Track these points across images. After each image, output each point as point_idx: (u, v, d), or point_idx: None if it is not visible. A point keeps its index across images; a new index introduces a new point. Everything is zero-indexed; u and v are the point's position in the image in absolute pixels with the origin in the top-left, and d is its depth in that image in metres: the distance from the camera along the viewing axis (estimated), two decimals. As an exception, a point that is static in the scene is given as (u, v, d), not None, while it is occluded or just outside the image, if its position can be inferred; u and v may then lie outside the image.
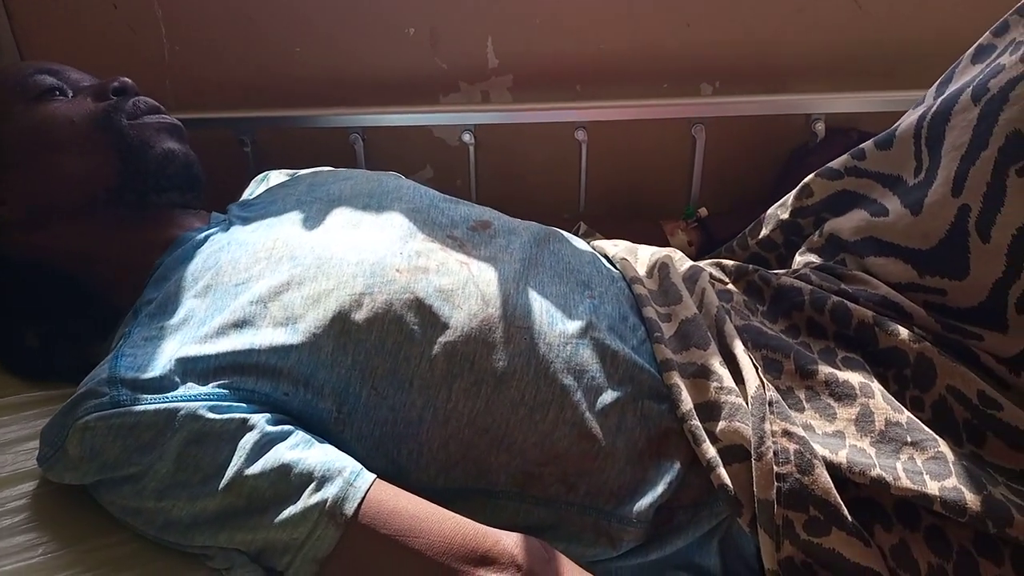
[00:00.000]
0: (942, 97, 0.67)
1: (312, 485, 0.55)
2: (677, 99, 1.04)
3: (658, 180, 1.08)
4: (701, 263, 0.81)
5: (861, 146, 0.76)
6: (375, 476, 0.57)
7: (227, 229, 0.74)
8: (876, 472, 0.59)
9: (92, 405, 0.57)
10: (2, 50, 1.02)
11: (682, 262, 0.79)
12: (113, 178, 0.72)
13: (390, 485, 0.58)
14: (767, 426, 0.61)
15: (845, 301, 0.70)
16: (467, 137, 1.04)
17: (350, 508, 0.54)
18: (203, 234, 0.73)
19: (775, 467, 0.59)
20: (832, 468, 0.60)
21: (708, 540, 0.64)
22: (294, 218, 0.72)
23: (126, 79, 0.78)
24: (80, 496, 0.60)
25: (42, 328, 0.72)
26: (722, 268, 0.80)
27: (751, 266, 0.79)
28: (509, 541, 0.57)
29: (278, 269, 0.64)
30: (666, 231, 1.01)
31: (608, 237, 0.91)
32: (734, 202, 1.08)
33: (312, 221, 0.71)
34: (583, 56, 1.04)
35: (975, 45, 0.69)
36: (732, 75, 1.05)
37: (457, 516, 0.58)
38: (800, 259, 0.82)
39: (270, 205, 0.77)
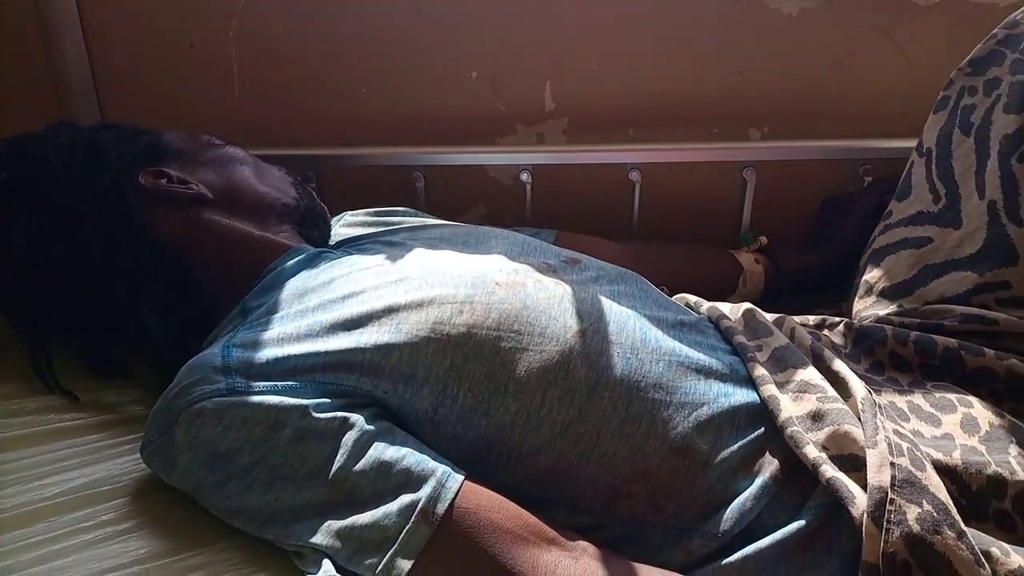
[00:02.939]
0: (931, 144, 0.85)
1: (408, 484, 0.58)
2: (727, 143, 1.08)
3: (709, 221, 1.12)
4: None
5: (888, 210, 0.89)
6: (464, 476, 0.60)
7: (340, 256, 0.78)
8: (992, 470, 0.61)
9: (207, 391, 0.60)
10: (79, 81, 1.06)
11: (765, 313, 0.80)
12: (290, 201, 0.84)
13: (477, 485, 0.60)
14: (879, 421, 0.62)
15: (928, 334, 0.73)
16: (525, 176, 1.07)
17: (442, 508, 0.57)
18: (315, 251, 0.77)
19: (889, 456, 0.59)
20: (948, 472, 0.61)
21: (795, 554, 0.62)
22: (400, 249, 0.76)
23: None
24: (188, 502, 0.62)
25: (151, 307, 0.75)
26: (803, 320, 0.83)
27: (832, 318, 0.82)
28: (580, 538, 0.61)
29: (386, 281, 0.68)
30: (733, 252, 1.04)
31: (672, 257, 0.99)
32: (807, 237, 1.11)
33: (417, 250, 0.75)
34: (637, 101, 1.08)
35: (937, 101, 0.86)
36: (781, 120, 1.08)
37: (530, 513, 0.61)
38: (862, 310, 0.86)
39: (374, 244, 0.82)
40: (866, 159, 1.05)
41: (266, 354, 0.63)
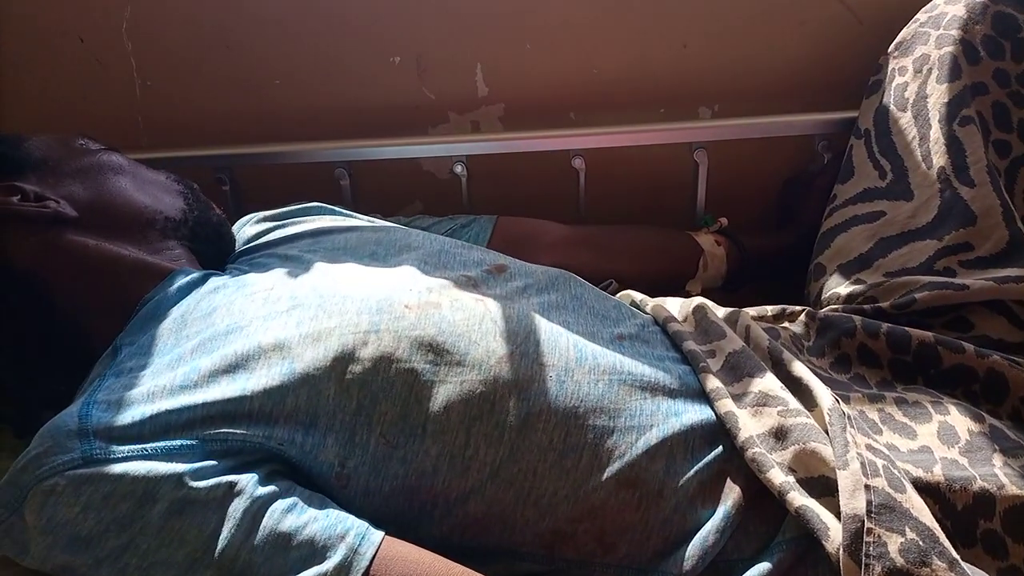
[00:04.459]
0: (868, 125, 0.87)
1: (313, 557, 0.50)
2: (676, 123, 1.00)
3: (661, 207, 1.04)
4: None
5: (833, 194, 0.88)
6: (382, 535, 0.51)
7: (225, 278, 0.68)
8: (978, 486, 0.55)
9: (60, 463, 0.51)
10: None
11: (717, 308, 0.74)
12: (175, 214, 0.73)
13: (398, 546, 0.52)
14: (849, 437, 0.55)
15: (903, 327, 0.67)
16: (459, 169, 0.99)
17: None
18: (198, 274, 0.68)
19: (864, 477, 0.52)
20: (930, 491, 0.54)
21: None
22: (296, 265, 0.67)
23: None
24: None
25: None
26: (761, 312, 0.77)
27: (792, 307, 0.76)
28: None
29: (275, 310, 0.59)
30: (691, 233, 0.97)
31: (625, 241, 0.94)
32: (766, 222, 1.05)
33: (315, 267, 0.66)
34: (577, 82, 1.00)
35: (868, 86, 0.90)
36: (732, 96, 1.01)
37: (468, 570, 0.52)
38: (818, 292, 0.83)
39: (269, 258, 0.72)
40: (824, 134, 0.98)
41: (133, 412, 0.53)
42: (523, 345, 0.59)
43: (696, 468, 0.57)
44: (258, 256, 0.74)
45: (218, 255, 0.76)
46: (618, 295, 0.78)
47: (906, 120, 0.82)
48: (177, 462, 0.51)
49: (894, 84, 0.85)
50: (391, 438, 0.54)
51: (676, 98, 1.01)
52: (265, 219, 0.82)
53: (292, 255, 0.70)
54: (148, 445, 0.52)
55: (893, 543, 0.50)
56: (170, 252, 0.70)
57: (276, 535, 0.50)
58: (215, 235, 0.76)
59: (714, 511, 0.56)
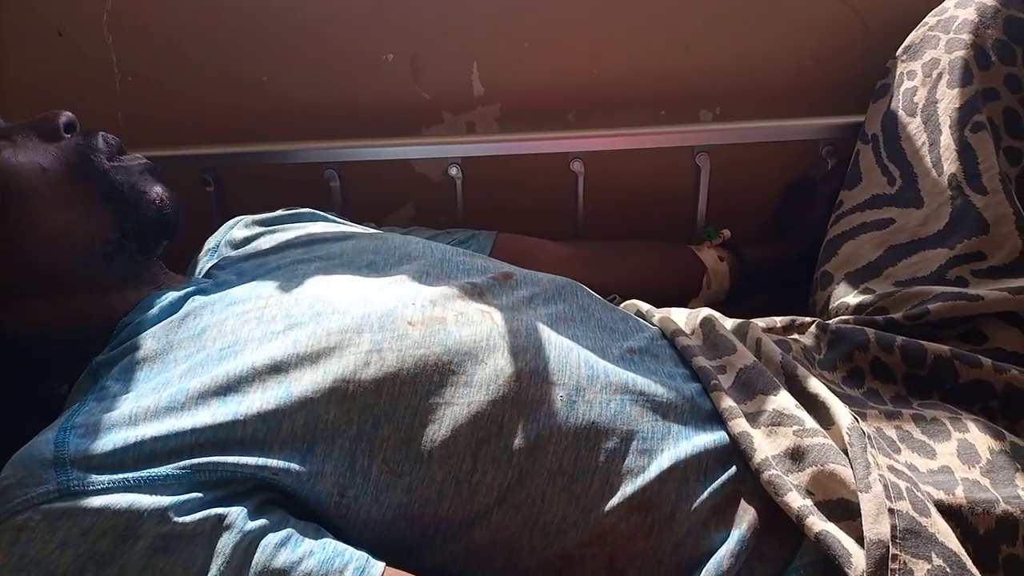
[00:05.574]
0: (876, 130, 0.85)
1: None
2: (677, 126, 0.97)
3: (662, 212, 1.01)
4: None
5: (839, 200, 0.87)
6: (383, 568, 0.48)
7: (210, 289, 0.64)
8: (1001, 509, 0.53)
9: (33, 496, 0.46)
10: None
11: (725, 320, 0.72)
12: (110, 231, 0.60)
13: (401, 574, 0.49)
14: (871, 457, 0.53)
15: (918, 340, 0.65)
16: (454, 171, 0.96)
17: None
18: (178, 294, 0.63)
19: (887, 501, 0.50)
20: (952, 514, 0.52)
21: None
22: (289, 277, 0.63)
23: (69, 113, 0.64)
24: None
25: None
26: (770, 323, 0.74)
27: (802, 318, 0.74)
28: None
29: (270, 329, 0.55)
30: (694, 249, 0.95)
31: (628, 259, 0.92)
32: (768, 228, 1.03)
33: (309, 278, 0.62)
34: (576, 82, 0.97)
35: (875, 90, 0.88)
36: (734, 99, 0.98)
37: None
38: (825, 301, 0.81)
39: (258, 268, 0.67)
40: (829, 139, 0.96)
41: (114, 438, 0.49)
42: (532, 362, 0.56)
43: (709, 490, 0.55)
44: (247, 265, 0.69)
45: (173, 235, 0.65)
46: (623, 304, 0.76)
47: (915, 125, 0.80)
48: (161, 494, 0.47)
49: (903, 88, 0.83)
50: (394, 465, 0.51)
51: (677, 100, 0.98)
52: (255, 223, 0.77)
53: (284, 265, 0.66)
54: (130, 475, 0.48)
55: (920, 570, 0.48)
56: (130, 280, 0.62)
57: (269, 572, 0.46)
58: (164, 229, 0.64)
59: (728, 535, 0.54)
